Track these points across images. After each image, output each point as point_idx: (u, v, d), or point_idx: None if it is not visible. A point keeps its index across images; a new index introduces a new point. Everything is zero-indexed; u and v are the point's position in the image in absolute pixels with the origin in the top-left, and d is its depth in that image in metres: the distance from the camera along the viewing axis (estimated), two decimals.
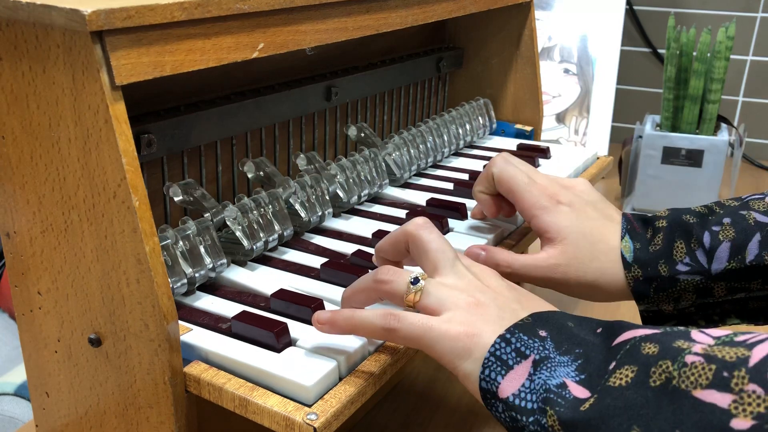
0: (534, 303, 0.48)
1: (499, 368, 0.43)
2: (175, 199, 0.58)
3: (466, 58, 0.98)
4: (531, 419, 0.41)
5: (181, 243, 0.54)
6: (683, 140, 1.18)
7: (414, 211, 0.70)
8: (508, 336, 0.43)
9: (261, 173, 0.64)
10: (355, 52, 0.80)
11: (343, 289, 0.56)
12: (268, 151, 0.69)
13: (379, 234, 0.63)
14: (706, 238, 0.56)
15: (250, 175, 0.63)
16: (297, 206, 0.64)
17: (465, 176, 0.82)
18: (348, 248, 0.63)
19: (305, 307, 0.51)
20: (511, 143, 0.94)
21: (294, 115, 0.70)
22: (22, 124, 0.47)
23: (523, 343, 0.43)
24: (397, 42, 0.87)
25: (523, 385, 0.42)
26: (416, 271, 0.49)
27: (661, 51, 1.58)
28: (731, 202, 0.58)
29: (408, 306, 0.48)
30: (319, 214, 0.66)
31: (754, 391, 0.34)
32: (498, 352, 0.43)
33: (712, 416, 0.34)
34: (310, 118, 0.74)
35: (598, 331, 0.44)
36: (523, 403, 0.41)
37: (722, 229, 0.55)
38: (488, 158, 0.88)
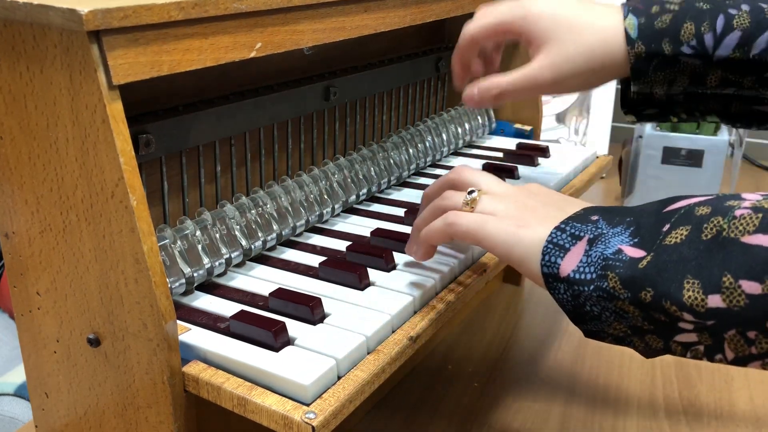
0: (575, 203, 0.52)
1: (557, 252, 0.47)
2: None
3: None
4: (592, 287, 0.44)
5: (179, 243, 0.54)
6: (683, 140, 1.18)
7: (413, 209, 0.70)
8: (562, 226, 0.48)
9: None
10: (354, 52, 0.80)
11: (343, 288, 0.56)
12: (267, 152, 0.69)
13: (378, 233, 0.63)
14: (720, 21, 0.56)
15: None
16: (297, 206, 0.64)
17: None
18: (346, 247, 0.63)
19: (304, 306, 0.51)
20: (511, 143, 0.94)
21: (293, 115, 0.70)
22: (19, 125, 0.47)
23: (576, 228, 0.47)
24: (395, 42, 0.87)
25: (581, 261, 0.45)
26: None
27: None
28: None
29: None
30: (318, 213, 0.66)
31: None
32: (555, 239, 0.47)
33: (758, 255, 0.38)
34: (308, 118, 0.74)
35: (649, 209, 0.46)
36: (582, 276, 0.45)
37: (738, 14, 0.55)
38: (488, 157, 0.88)
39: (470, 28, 0.64)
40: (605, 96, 1.37)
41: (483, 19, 0.63)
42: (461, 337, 0.87)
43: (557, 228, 0.48)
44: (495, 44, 0.69)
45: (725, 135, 1.19)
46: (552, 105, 1.38)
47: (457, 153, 0.90)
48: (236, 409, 0.45)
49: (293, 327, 0.50)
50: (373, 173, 0.74)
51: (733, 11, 0.55)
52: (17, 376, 1.12)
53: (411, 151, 0.80)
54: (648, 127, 1.23)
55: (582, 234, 0.46)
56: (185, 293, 0.55)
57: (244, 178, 0.68)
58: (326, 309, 0.52)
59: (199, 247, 0.55)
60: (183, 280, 0.54)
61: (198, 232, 0.56)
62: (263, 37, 0.51)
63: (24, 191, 0.49)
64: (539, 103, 0.95)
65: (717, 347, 0.41)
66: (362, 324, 0.50)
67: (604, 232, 0.46)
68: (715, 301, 0.39)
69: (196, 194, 0.63)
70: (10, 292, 0.55)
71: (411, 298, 0.54)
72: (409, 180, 0.81)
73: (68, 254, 0.49)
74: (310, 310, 0.51)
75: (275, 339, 0.48)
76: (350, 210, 0.72)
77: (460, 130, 0.89)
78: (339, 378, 0.47)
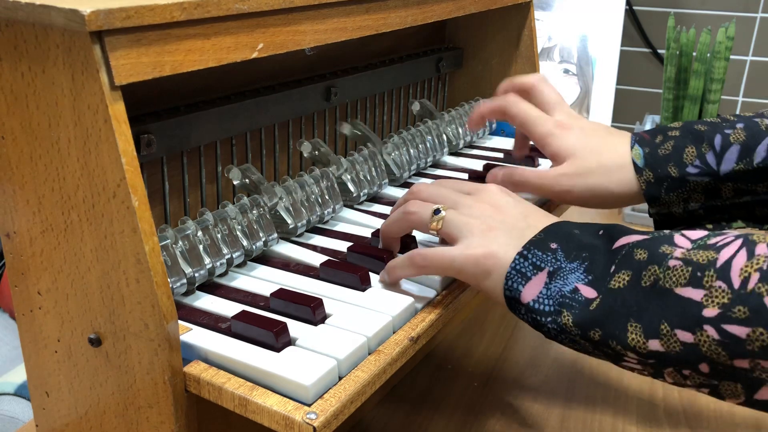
0: (538, 216, 0.55)
1: (519, 279, 0.50)
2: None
3: (465, 58, 0.98)
4: (549, 319, 0.48)
5: (180, 243, 0.54)
6: None
7: None
8: (525, 252, 0.51)
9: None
10: (355, 53, 0.80)
11: (343, 288, 0.56)
12: (268, 152, 0.69)
13: (379, 233, 0.63)
14: (717, 140, 0.60)
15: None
16: (298, 206, 0.64)
17: (464, 176, 0.82)
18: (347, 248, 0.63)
19: (305, 306, 0.51)
20: (511, 143, 0.94)
21: (294, 116, 0.70)
22: (21, 125, 0.47)
23: (538, 257, 0.50)
24: (396, 42, 0.87)
25: (540, 293, 0.49)
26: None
27: (660, 51, 1.58)
28: (747, 113, 0.63)
29: (432, 233, 0.56)
30: (319, 213, 0.66)
31: (720, 287, 0.42)
32: (518, 267, 0.51)
33: (689, 308, 0.43)
34: (309, 119, 0.74)
35: (600, 233, 0.51)
36: (541, 307, 0.49)
37: (734, 132, 0.60)
38: (488, 158, 0.88)
39: (513, 105, 0.68)
40: (605, 96, 1.37)
41: (528, 111, 0.68)
42: (461, 337, 0.87)
43: (520, 254, 0.51)
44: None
45: None
46: None
47: (457, 153, 0.90)
48: (237, 410, 0.45)
49: (294, 327, 0.50)
50: (374, 173, 0.74)
51: (728, 130, 0.61)
52: (18, 375, 1.12)
53: (412, 151, 0.80)
54: (648, 127, 1.23)
55: (543, 265, 0.50)
56: (186, 293, 0.55)
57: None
58: (327, 309, 0.53)
59: (201, 247, 0.55)
60: (184, 280, 0.54)
61: (199, 233, 0.56)
62: (265, 38, 0.51)
63: (25, 191, 0.49)
64: None
65: (658, 375, 0.46)
66: (363, 324, 0.50)
67: (562, 266, 0.49)
68: (654, 345, 0.44)
69: (197, 194, 0.63)
70: (11, 291, 0.55)
71: (412, 299, 0.54)
72: (409, 180, 0.81)
73: (69, 254, 0.49)
74: (312, 311, 0.51)
75: (276, 339, 0.48)
76: (351, 210, 0.72)
77: (460, 130, 0.89)
78: (340, 378, 0.47)
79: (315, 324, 0.51)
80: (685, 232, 0.47)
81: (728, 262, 0.42)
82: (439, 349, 0.84)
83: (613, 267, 0.47)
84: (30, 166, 0.48)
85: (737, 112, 1.56)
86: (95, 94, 0.42)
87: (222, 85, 0.65)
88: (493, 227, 0.54)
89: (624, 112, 1.62)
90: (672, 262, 0.45)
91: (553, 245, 0.51)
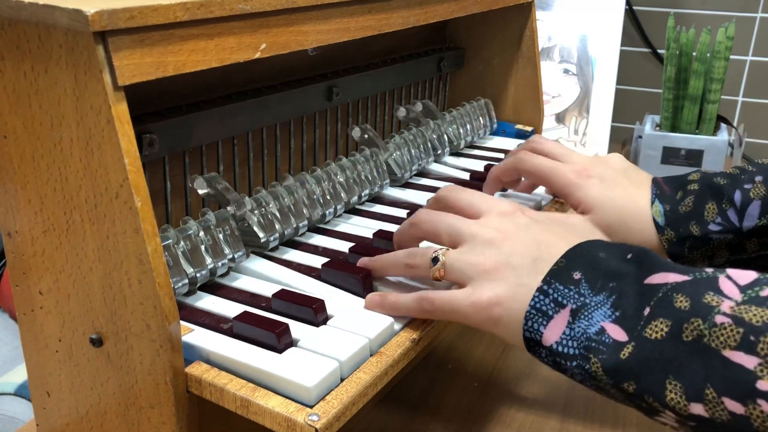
0: (553, 240, 0.50)
1: (540, 319, 0.46)
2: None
3: (466, 58, 0.98)
4: (574, 364, 0.45)
5: (182, 243, 0.54)
6: (683, 140, 1.18)
7: (415, 210, 0.69)
8: (545, 288, 0.47)
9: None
10: (357, 53, 0.80)
11: (343, 290, 0.56)
12: (269, 151, 0.69)
13: (380, 234, 0.63)
14: (737, 196, 0.59)
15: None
16: (300, 206, 0.64)
17: (466, 176, 0.82)
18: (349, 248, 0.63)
19: (306, 308, 0.51)
20: (512, 143, 0.94)
21: (295, 115, 0.70)
22: (24, 124, 0.47)
23: (559, 293, 0.46)
24: (398, 42, 0.87)
25: (564, 333, 0.45)
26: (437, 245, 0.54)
27: (660, 51, 1.58)
28: (764, 160, 0.61)
29: (437, 280, 0.52)
30: (320, 213, 0.66)
31: None
32: (538, 305, 0.47)
33: (740, 376, 0.38)
34: (311, 118, 0.74)
35: (629, 257, 0.47)
36: (565, 350, 0.45)
37: (753, 187, 0.59)
38: (489, 158, 0.88)
39: (527, 162, 0.66)
40: (605, 96, 1.37)
41: (542, 166, 0.66)
42: (461, 337, 0.87)
43: (540, 291, 0.47)
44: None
45: (725, 135, 1.19)
46: (552, 105, 1.38)
47: (458, 153, 0.90)
48: (239, 411, 0.45)
49: (296, 328, 0.50)
50: (375, 174, 0.74)
51: (748, 185, 0.59)
52: (18, 375, 1.11)
53: (413, 151, 0.80)
54: (647, 127, 1.23)
55: (565, 302, 0.46)
56: (188, 294, 0.55)
57: (247, 178, 0.68)
58: (329, 311, 0.52)
59: (202, 247, 0.55)
60: (186, 281, 0.54)
61: (201, 233, 0.56)
62: (268, 38, 0.51)
63: (27, 191, 0.49)
64: (540, 104, 0.95)
65: None
66: (365, 326, 0.50)
67: (587, 302, 0.45)
68: (697, 409, 0.40)
69: (199, 194, 0.62)
70: (12, 291, 0.55)
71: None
72: (411, 181, 0.81)
73: (71, 254, 0.49)
74: (314, 312, 0.51)
75: (278, 340, 0.48)
76: (352, 210, 0.72)
77: (461, 130, 0.89)
78: (342, 380, 0.47)
79: (317, 325, 0.51)
80: (731, 273, 0.43)
81: None
82: (439, 349, 0.84)
83: (648, 310, 0.43)
84: (32, 166, 0.48)
85: (738, 111, 1.56)
86: (98, 95, 0.42)
87: (224, 84, 0.65)
88: (499, 265, 0.49)
89: (624, 112, 1.62)
90: (719, 319, 0.40)
91: (577, 275, 0.47)
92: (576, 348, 0.45)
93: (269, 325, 0.49)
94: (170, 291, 0.45)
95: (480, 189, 0.75)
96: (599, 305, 0.45)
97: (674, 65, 1.18)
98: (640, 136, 1.22)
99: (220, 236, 0.57)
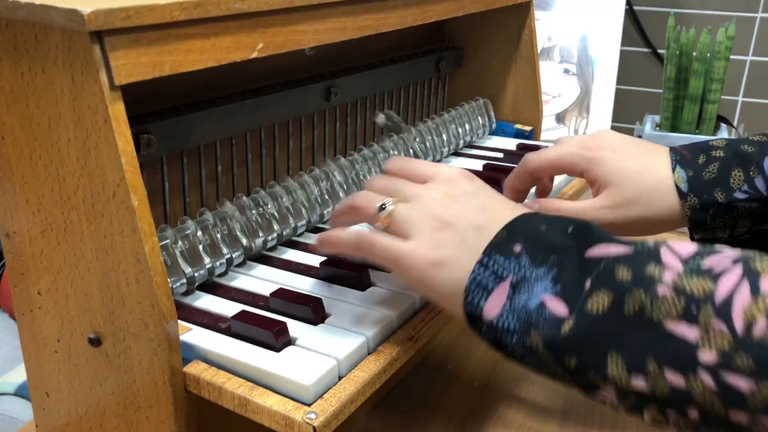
0: (499, 207, 0.49)
1: (481, 293, 0.45)
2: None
3: (465, 58, 0.98)
4: (515, 339, 0.43)
5: (180, 243, 0.54)
6: (683, 140, 1.18)
7: None
8: (485, 260, 0.45)
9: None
10: (355, 52, 0.80)
11: (344, 288, 0.56)
12: (268, 152, 0.69)
13: None
14: (767, 163, 0.57)
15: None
16: (298, 206, 0.64)
17: None
18: None
19: (304, 306, 0.51)
20: (511, 143, 0.94)
21: (294, 115, 0.70)
22: (21, 124, 0.47)
23: (499, 265, 0.45)
24: (396, 42, 0.87)
25: (504, 307, 0.44)
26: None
27: (660, 51, 1.58)
28: None
29: (380, 228, 0.50)
30: (319, 213, 0.66)
31: (719, 329, 0.37)
32: (478, 278, 0.45)
33: (682, 347, 0.38)
34: (309, 118, 0.74)
35: (570, 230, 0.45)
36: (505, 325, 0.43)
37: None
38: (488, 158, 0.88)
39: (533, 161, 0.65)
40: (605, 96, 1.37)
41: (547, 155, 0.64)
42: (461, 337, 0.87)
43: (480, 263, 0.45)
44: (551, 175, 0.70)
45: (725, 135, 1.19)
46: (552, 105, 1.38)
47: (457, 153, 0.90)
48: (237, 409, 0.45)
49: (294, 327, 0.50)
50: (373, 173, 0.74)
51: None
52: (18, 375, 1.12)
53: (411, 151, 0.80)
54: (647, 127, 1.23)
55: (505, 274, 0.44)
56: (186, 293, 0.55)
57: (245, 178, 0.68)
58: (327, 309, 0.53)
59: (200, 247, 0.55)
60: (184, 280, 0.54)
61: (199, 232, 0.56)
62: (265, 38, 0.51)
63: (25, 191, 0.49)
64: (539, 104, 0.95)
65: (635, 412, 0.41)
66: (363, 324, 0.50)
67: (528, 275, 0.44)
68: (638, 382, 0.39)
69: (197, 194, 0.63)
70: (11, 291, 0.55)
71: (412, 299, 0.54)
72: None
73: (69, 254, 0.49)
74: (311, 311, 0.51)
75: (276, 339, 0.48)
76: None
77: (460, 130, 0.89)
78: (340, 378, 0.47)
79: (315, 324, 0.51)
80: (673, 244, 0.42)
81: (729, 300, 0.37)
82: (438, 350, 0.84)
83: (589, 282, 0.42)
84: (30, 166, 0.48)
85: (738, 111, 1.56)
86: (95, 94, 0.42)
87: (222, 84, 0.65)
88: (445, 224, 0.48)
89: (624, 112, 1.62)
90: (661, 290, 0.39)
91: (517, 248, 0.45)
92: (516, 322, 0.43)
93: (267, 324, 0.49)
94: (168, 290, 0.45)
95: None
96: (540, 278, 0.43)
97: (674, 65, 1.18)
98: (640, 136, 1.22)
99: (218, 236, 0.57)
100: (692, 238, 0.61)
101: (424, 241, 0.48)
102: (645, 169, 0.60)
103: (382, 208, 0.50)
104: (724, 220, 0.58)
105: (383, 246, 0.49)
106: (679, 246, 0.42)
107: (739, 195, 0.57)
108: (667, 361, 0.38)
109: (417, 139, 0.81)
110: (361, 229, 0.51)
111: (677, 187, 0.59)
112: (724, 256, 0.40)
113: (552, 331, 0.42)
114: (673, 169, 0.59)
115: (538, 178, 0.67)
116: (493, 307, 0.44)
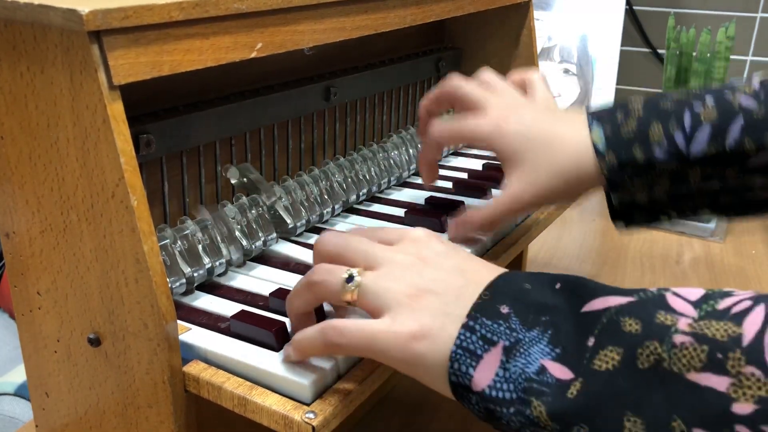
0: (476, 266, 0.45)
1: (468, 360, 0.40)
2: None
3: (464, 58, 0.98)
4: (512, 410, 0.38)
5: (179, 243, 0.54)
6: None
7: (413, 209, 0.70)
8: (471, 324, 0.41)
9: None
10: (354, 53, 0.80)
11: None
12: (267, 152, 0.69)
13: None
14: (687, 117, 0.53)
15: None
16: (298, 206, 0.64)
17: (464, 175, 0.82)
18: None
19: None
20: None
21: (293, 116, 0.70)
22: (20, 125, 0.47)
23: (487, 328, 0.40)
24: (395, 42, 0.87)
25: (497, 375, 0.39)
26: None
27: (661, 51, 1.58)
28: (713, 84, 0.56)
29: (347, 305, 0.45)
30: (318, 213, 0.66)
31: (753, 374, 0.33)
32: (465, 343, 0.40)
33: (711, 401, 0.33)
34: (309, 119, 0.74)
35: (557, 287, 0.42)
36: (500, 394, 0.39)
37: (704, 110, 0.53)
38: (487, 158, 0.88)
39: (437, 133, 0.61)
40: (605, 96, 1.37)
41: (454, 128, 0.60)
42: None
43: (465, 327, 0.41)
44: None
45: None
46: None
47: (457, 153, 0.90)
48: (236, 409, 0.45)
49: None
50: (373, 173, 0.74)
51: (698, 107, 0.53)
52: (17, 375, 1.12)
53: (411, 151, 0.80)
54: None
55: (495, 339, 0.40)
56: (186, 293, 0.55)
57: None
58: (326, 308, 0.52)
59: (200, 247, 0.55)
60: (183, 280, 0.54)
61: (198, 232, 0.56)
62: (264, 38, 0.51)
63: (24, 191, 0.49)
64: None
65: None
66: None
67: (521, 338, 0.39)
68: None
69: (196, 194, 0.63)
70: (10, 291, 0.55)
71: None
72: (409, 180, 0.81)
73: (69, 254, 0.49)
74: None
75: (276, 339, 0.48)
76: (350, 210, 0.72)
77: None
78: (339, 378, 0.47)
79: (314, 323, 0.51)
80: (676, 290, 0.38)
81: (759, 340, 0.33)
82: None
83: (592, 339, 0.38)
84: (29, 166, 0.48)
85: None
86: (94, 94, 0.42)
87: (221, 84, 0.65)
88: (422, 291, 0.43)
89: None
90: (678, 338, 0.35)
91: (504, 309, 0.41)
92: (513, 391, 0.38)
93: (266, 323, 0.49)
94: (167, 290, 0.45)
95: (479, 188, 0.75)
96: (535, 342, 0.39)
97: (674, 65, 1.18)
98: None
99: (218, 236, 0.57)
100: (609, 201, 0.57)
101: (401, 313, 0.42)
102: (555, 138, 0.56)
103: (348, 279, 0.44)
104: (642, 181, 0.54)
105: (354, 332, 0.43)
106: (684, 291, 0.38)
107: (658, 153, 0.53)
108: (695, 419, 0.34)
109: (417, 139, 0.81)
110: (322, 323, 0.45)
111: (594, 145, 0.54)
112: (739, 296, 0.36)
113: (557, 397, 0.37)
114: (590, 127, 0.55)
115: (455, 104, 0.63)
116: (484, 374, 0.39)
